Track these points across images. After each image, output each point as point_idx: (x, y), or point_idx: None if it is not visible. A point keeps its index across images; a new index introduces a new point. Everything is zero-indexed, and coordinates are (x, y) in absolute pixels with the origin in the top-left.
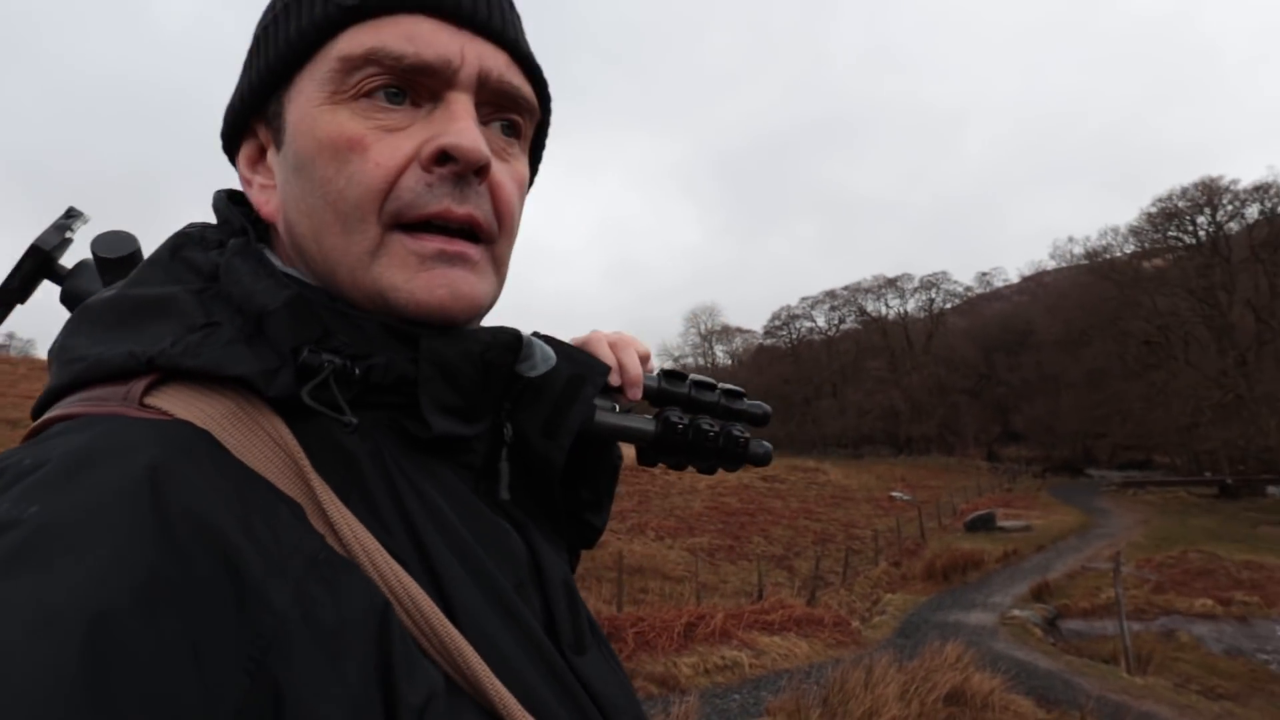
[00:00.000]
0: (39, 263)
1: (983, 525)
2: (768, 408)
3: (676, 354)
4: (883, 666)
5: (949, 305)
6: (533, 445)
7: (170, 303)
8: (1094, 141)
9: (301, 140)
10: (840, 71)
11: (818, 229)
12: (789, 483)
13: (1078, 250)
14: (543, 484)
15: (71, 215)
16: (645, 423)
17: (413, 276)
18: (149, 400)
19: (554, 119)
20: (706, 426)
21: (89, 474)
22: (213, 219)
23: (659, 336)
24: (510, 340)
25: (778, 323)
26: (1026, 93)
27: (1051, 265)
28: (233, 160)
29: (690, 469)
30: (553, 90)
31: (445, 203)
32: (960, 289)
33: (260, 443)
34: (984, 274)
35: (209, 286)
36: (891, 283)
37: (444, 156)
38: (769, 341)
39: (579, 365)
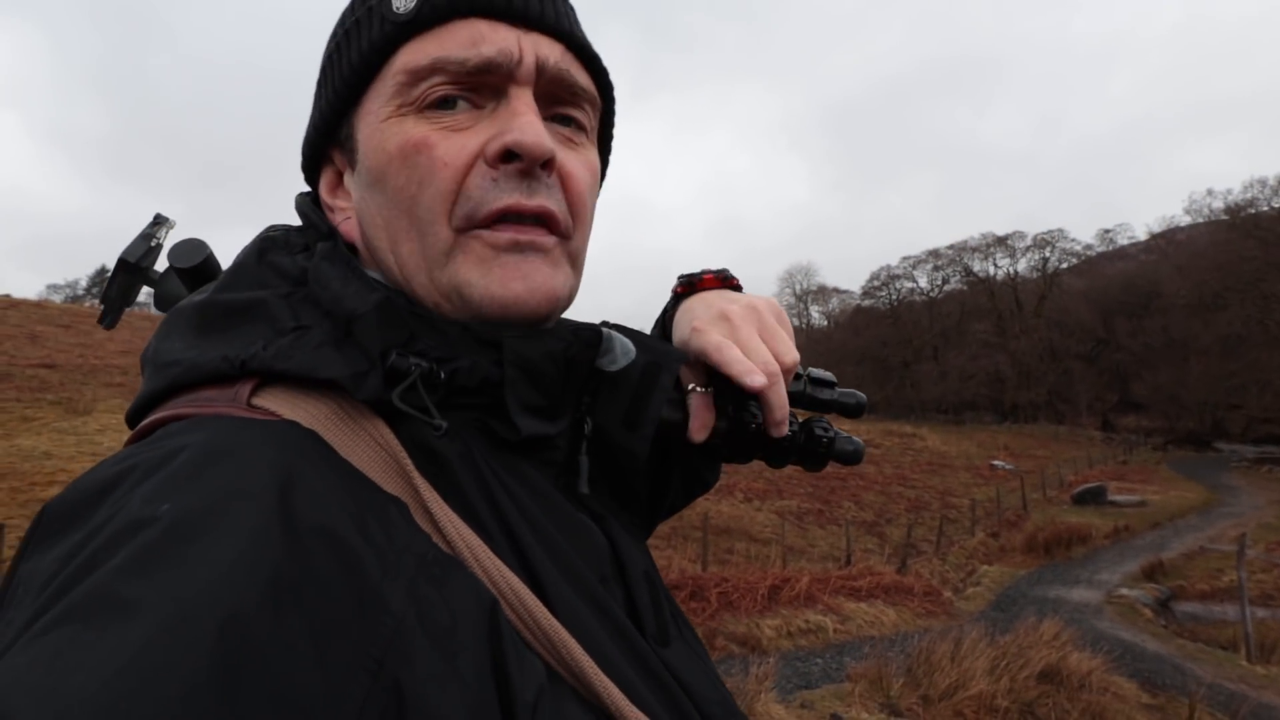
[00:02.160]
0: (130, 273)
1: (1092, 498)
2: (862, 397)
3: None
4: (973, 639)
5: (1065, 265)
6: (614, 438)
7: (259, 307)
8: (1256, 89)
9: (373, 156)
10: (973, 5)
11: (936, 183)
12: (883, 448)
13: (1217, 205)
14: (625, 476)
15: (158, 222)
16: (717, 419)
17: (488, 271)
18: (256, 401)
19: (656, 78)
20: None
21: (214, 473)
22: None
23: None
24: (591, 337)
25: (876, 283)
26: (1190, 24)
27: (1185, 221)
28: (315, 189)
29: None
30: (656, 43)
31: (515, 197)
32: (1078, 247)
33: (364, 443)
34: (1106, 231)
35: (296, 290)
36: (1001, 241)
37: (509, 154)
38: (867, 303)
39: (654, 354)
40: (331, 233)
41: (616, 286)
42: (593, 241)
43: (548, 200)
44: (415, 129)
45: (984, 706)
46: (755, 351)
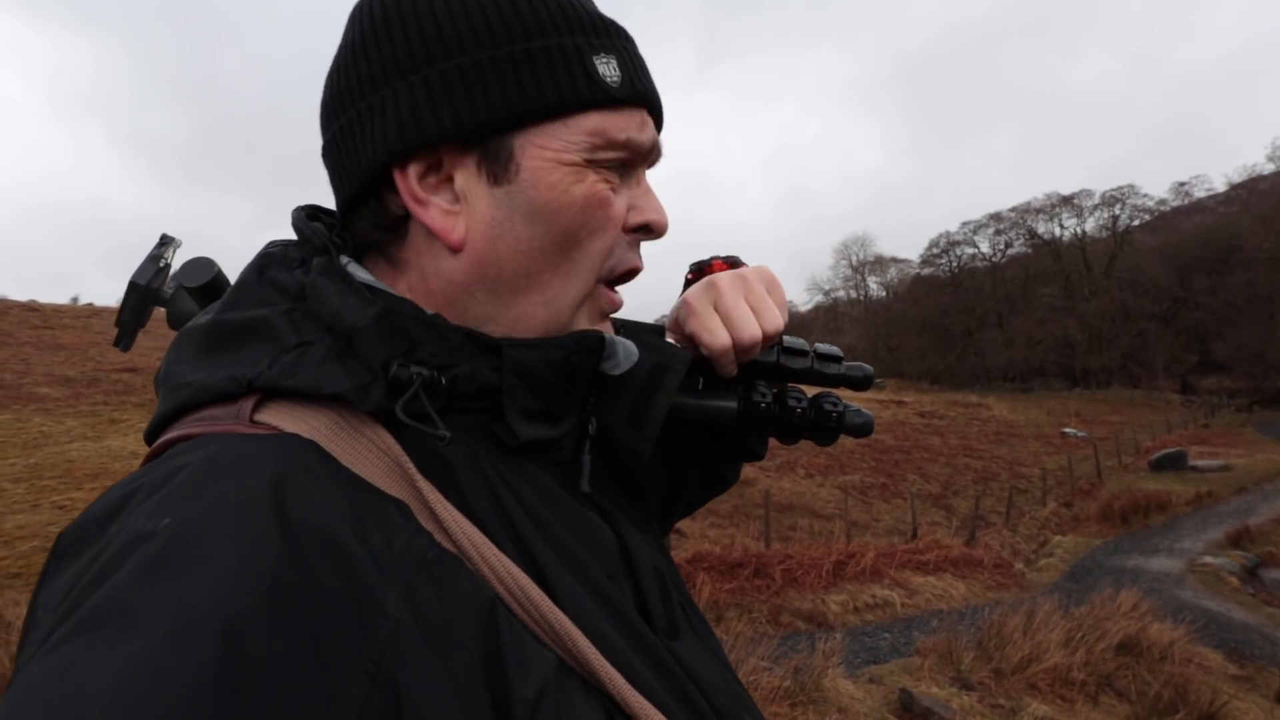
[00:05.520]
0: (140, 295)
1: (1171, 464)
2: (869, 369)
3: (826, 287)
4: (1046, 611)
5: (1136, 222)
6: (619, 437)
7: (262, 325)
8: None
9: (549, 192)
10: None
11: (1016, 139)
12: (948, 419)
13: None
14: (630, 475)
15: (164, 243)
16: (726, 400)
17: (595, 324)
18: (258, 417)
19: (721, 45)
20: (793, 403)
21: (214, 486)
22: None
23: (816, 269)
24: (593, 344)
25: (936, 250)
26: None
27: (1270, 169)
28: (382, 169)
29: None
30: (721, 4)
31: (636, 261)
32: (1151, 203)
33: (365, 449)
34: (1182, 184)
35: (297, 306)
36: (1067, 201)
37: (645, 227)
38: (926, 271)
39: (660, 354)
40: (325, 248)
41: (676, 263)
42: None
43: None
44: (597, 185)
45: (1059, 679)
46: (740, 319)
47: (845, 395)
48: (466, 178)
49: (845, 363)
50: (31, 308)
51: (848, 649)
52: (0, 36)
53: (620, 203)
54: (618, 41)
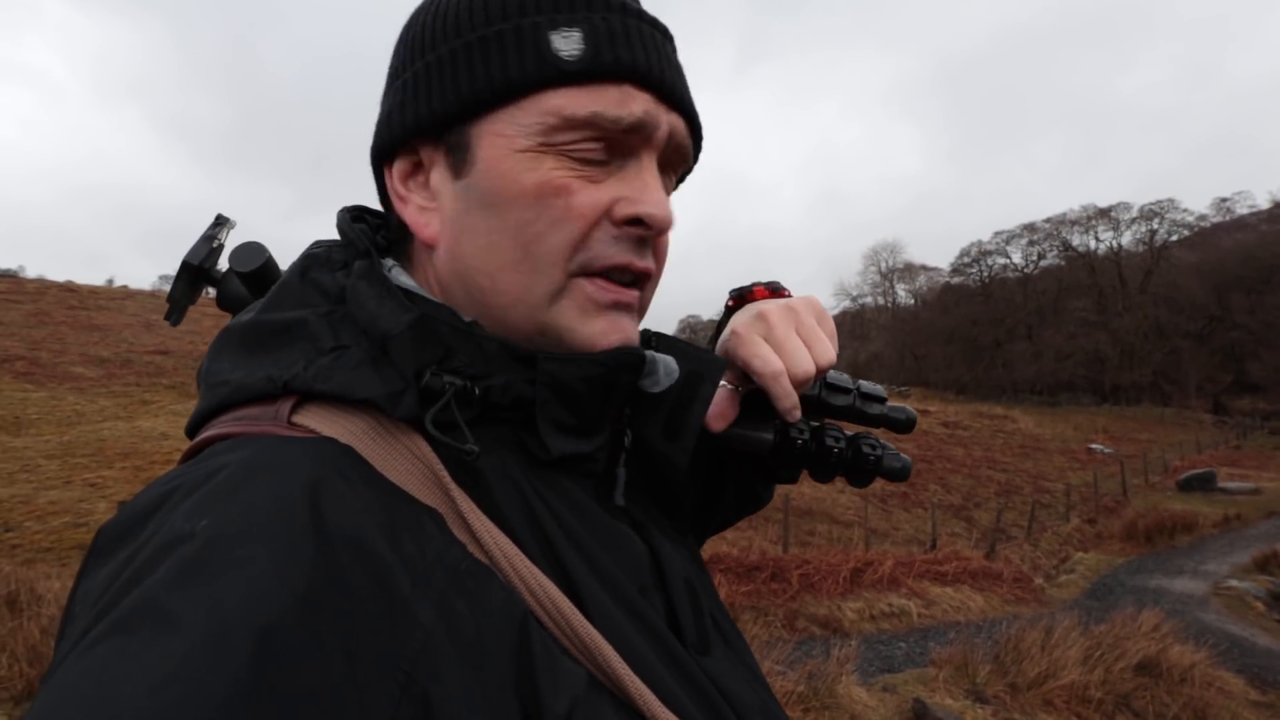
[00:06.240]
0: (192, 275)
1: (1200, 485)
2: (912, 413)
3: (855, 293)
4: (1065, 628)
5: (1175, 237)
6: (655, 448)
7: (301, 327)
8: None
9: (499, 181)
10: None
11: (1060, 148)
12: (972, 430)
13: None
14: (666, 486)
15: (219, 223)
16: (763, 432)
17: (589, 321)
18: (296, 419)
19: (762, 45)
20: (831, 442)
21: (251, 489)
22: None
23: (846, 275)
24: (634, 361)
25: (967, 259)
26: None
27: None
28: (378, 169)
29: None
30: (764, 4)
31: (629, 257)
32: (1190, 218)
33: (400, 457)
34: (1224, 200)
35: (336, 309)
36: (1104, 213)
37: (636, 220)
38: (956, 280)
39: (696, 363)
40: (368, 251)
41: (708, 265)
42: (684, 221)
43: (652, 264)
44: (555, 172)
45: (1076, 697)
46: (792, 351)
47: (884, 435)
48: (438, 173)
49: (889, 404)
50: (69, 288)
51: (862, 657)
52: (48, 19)
53: (593, 192)
54: (589, 14)
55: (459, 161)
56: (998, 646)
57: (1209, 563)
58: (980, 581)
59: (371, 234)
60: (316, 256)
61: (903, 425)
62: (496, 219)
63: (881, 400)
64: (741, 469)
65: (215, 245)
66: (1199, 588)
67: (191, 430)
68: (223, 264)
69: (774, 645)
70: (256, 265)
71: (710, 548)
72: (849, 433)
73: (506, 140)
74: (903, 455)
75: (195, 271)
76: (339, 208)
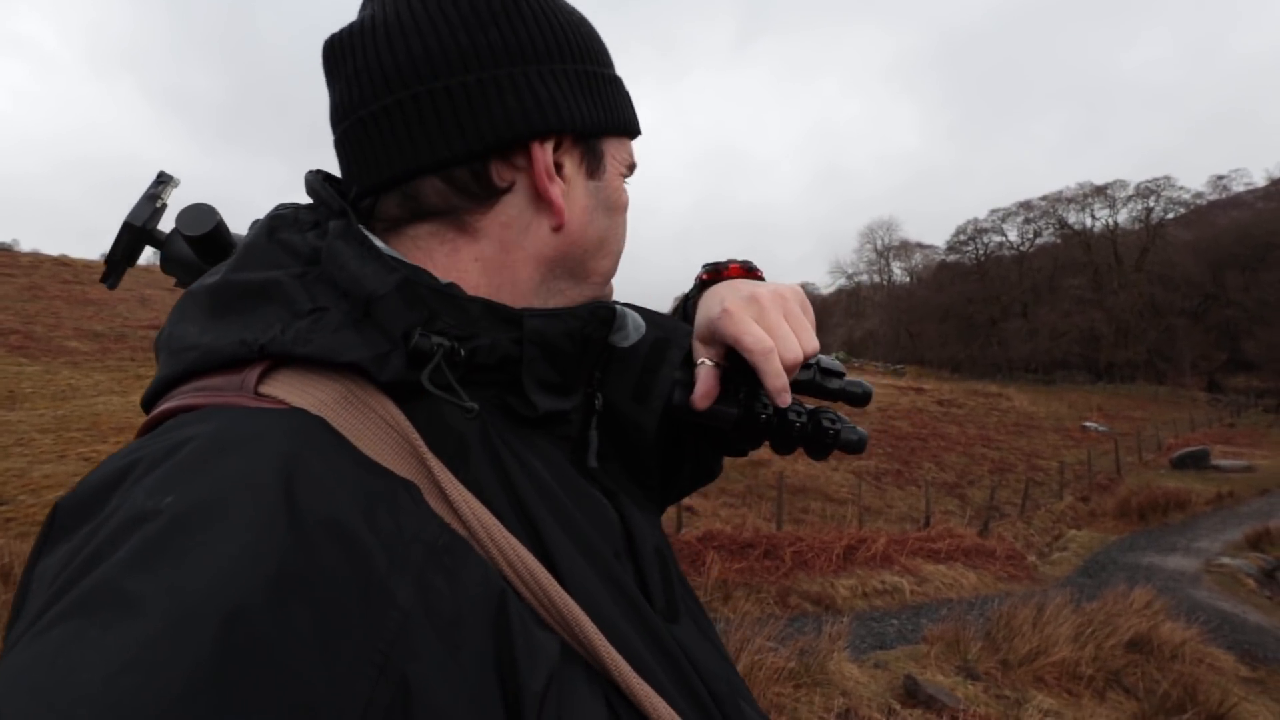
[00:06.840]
0: (134, 236)
1: (1193, 463)
2: (869, 386)
3: (850, 271)
4: (1057, 605)
5: (1170, 215)
6: (624, 412)
7: (274, 288)
8: None
9: (615, 194)
10: None
11: (1061, 125)
12: (967, 408)
13: None
14: (635, 450)
15: (161, 181)
16: (727, 406)
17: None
18: (263, 389)
19: (762, 20)
20: (793, 416)
21: (219, 464)
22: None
23: (843, 252)
24: (606, 314)
25: (963, 237)
26: None
27: None
28: (511, 134)
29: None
30: None
31: None
32: (1186, 196)
33: (374, 426)
34: (1220, 178)
35: (309, 270)
36: (1100, 191)
37: None
38: (952, 258)
39: (664, 329)
40: (344, 210)
41: (705, 242)
42: (682, 198)
43: None
44: (627, 194)
45: (1067, 673)
46: (783, 337)
47: (843, 409)
48: (573, 167)
49: (846, 378)
50: (63, 262)
51: (854, 633)
52: None
53: None
54: None
55: (595, 166)
56: (989, 623)
57: (1201, 540)
58: (973, 559)
59: (340, 197)
60: (284, 217)
61: (859, 399)
62: (608, 220)
63: (840, 375)
64: (699, 442)
65: (159, 205)
66: (1191, 565)
67: (150, 401)
68: (167, 225)
69: (766, 622)
70: (207, 229)
71: (704, 525)
72: (809, 407)
73: (616, 165)
74: (859, 428)
75: (137, 232)
76: (307, 170)
